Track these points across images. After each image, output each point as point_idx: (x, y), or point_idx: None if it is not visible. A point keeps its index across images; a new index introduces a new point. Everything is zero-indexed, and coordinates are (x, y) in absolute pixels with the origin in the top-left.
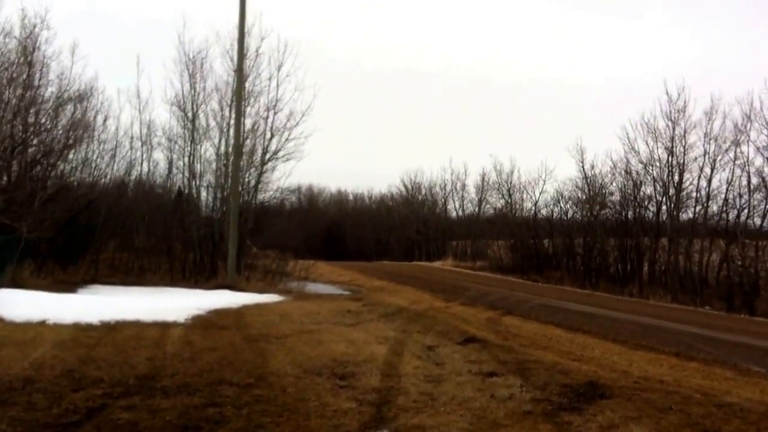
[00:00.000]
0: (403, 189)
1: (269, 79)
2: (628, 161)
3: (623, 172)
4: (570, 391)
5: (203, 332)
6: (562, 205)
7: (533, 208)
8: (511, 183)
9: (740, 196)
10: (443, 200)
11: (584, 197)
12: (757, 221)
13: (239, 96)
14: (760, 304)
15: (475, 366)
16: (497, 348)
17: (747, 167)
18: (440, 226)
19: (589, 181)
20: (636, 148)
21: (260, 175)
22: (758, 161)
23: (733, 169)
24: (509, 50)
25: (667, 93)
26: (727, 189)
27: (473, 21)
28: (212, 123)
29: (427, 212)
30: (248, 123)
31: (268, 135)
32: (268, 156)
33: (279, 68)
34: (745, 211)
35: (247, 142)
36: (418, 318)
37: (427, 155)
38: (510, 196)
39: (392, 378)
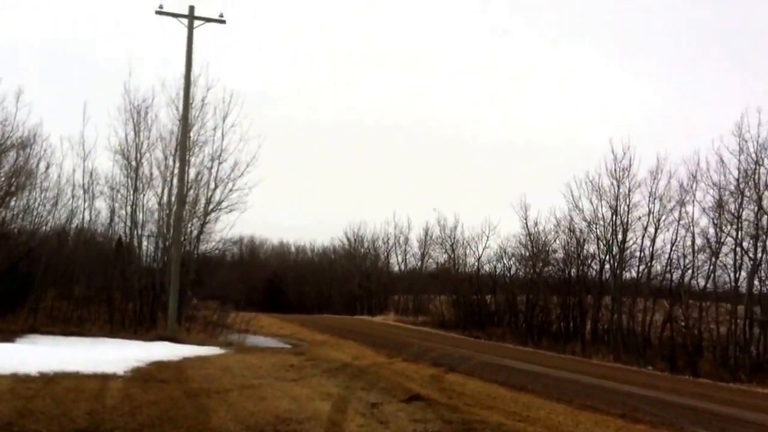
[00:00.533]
0: (345, 242)
1: (214, 129)
2: (572, 219)
3: (567, 230)
4: None
5: (143, 385)
6: (505, 262)
7: (476, 263)
8: (454, 238)
9: (684, 256)
10: (386, 254)
11: (527, 254)
12: (701, 282)
13: (183, 146)
14: (704, 366)
15: (420, 425)
16: (442, 407)
17: (692, 228)
18: (382, 280)
19: (532, 238)
20: (580, 206)
21: (203, 225)
22: (703, 222)
23: (678, 230)
24: (455, 106)
25: (612, 151)
26: (671, 249)
27: (419, 76)
28: (156, 172)
29: (369, 266)
30: (192, 173)
31: (212, 185)
32: (211, 207)
33: (224, 118)
34: (689, 271)
35: (191, 192)
36: (361, 374)
37: (370, 208)
38: (453, 251)
39: None
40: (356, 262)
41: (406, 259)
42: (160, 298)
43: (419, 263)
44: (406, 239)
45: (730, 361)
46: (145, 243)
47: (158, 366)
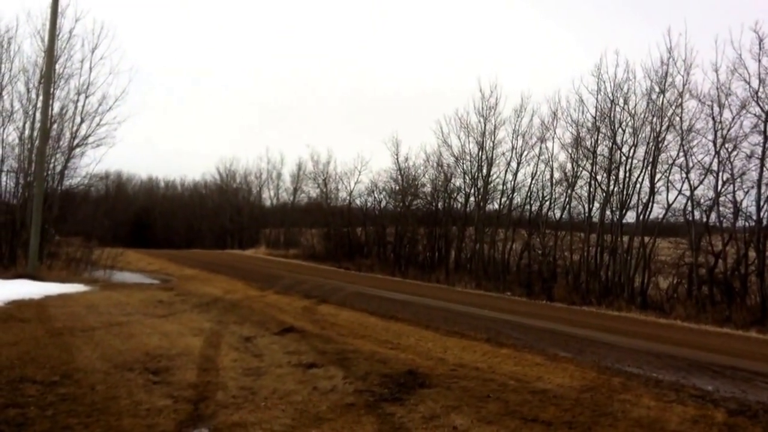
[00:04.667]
0: (217, 177)
1: (81, 61)
2: (440, 154)
3: (436, 165)
4: (390, 381)
5: (2, 325)
6: (376, 195)
7: (348, 197)
8: (327, 173)
9: (543, 188)
10: (258, 189)
11: (397, 188)
12: (558, 213)
13: (48, 78)
14: (558, 291)
15: (294, 357)
16: (315, 338)
17: (551, 162)
18: (254, 214)
19: (402, 172)
20: (449, 142)
21: (67, 160)
22: (562, 157)
23: (538, 164)
24: (331, 45)
25: (480, 90)
26: (531, 182)
27: (294, 16)
28: (17, 105)
29: (241, 200)
30: (57, 106)
31: (78, 120)
32: (76, 141)
33: (93, 51)
34: (547, 203)
35: (55, 126)
36: (233, 308)
37: (244, 144)
38: (325, 185)
39: (209, 372)
40: (227, 197)
41: (278, 194)
42: (20, 235)
43: (291, 198)
44: (279, 174)
45: (582, 286)
46: (4, 179)
47: (18, 305)
